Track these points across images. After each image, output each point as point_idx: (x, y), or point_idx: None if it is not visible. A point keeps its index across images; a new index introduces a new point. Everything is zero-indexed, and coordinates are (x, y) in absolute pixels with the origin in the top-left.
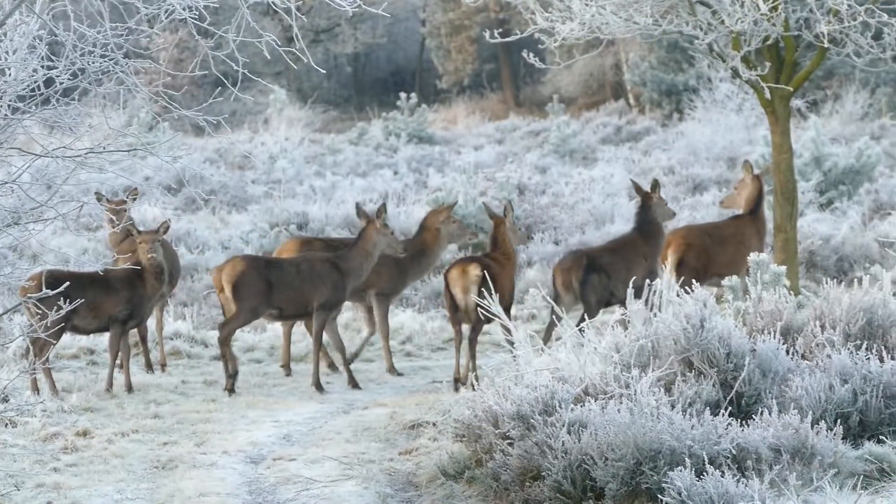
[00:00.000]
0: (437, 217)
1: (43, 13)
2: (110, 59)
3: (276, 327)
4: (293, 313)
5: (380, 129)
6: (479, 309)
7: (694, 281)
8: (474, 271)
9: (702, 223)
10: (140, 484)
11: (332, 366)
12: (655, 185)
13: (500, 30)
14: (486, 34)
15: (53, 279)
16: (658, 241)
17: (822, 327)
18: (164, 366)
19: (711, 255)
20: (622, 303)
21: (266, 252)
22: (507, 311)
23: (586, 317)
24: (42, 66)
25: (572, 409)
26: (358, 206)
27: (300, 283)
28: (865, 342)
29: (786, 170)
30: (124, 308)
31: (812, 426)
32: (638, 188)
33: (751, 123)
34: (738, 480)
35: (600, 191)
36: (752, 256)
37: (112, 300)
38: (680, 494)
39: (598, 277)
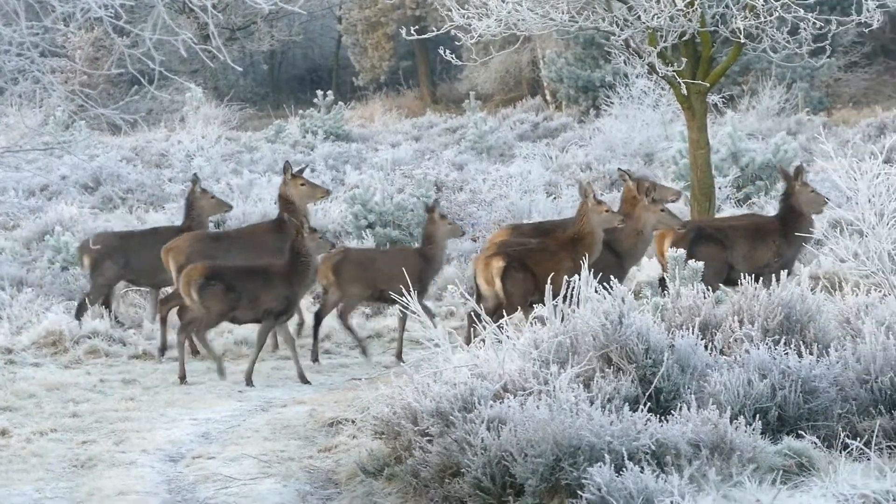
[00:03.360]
0: None
1: None
2: (26, 58)
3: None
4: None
5: (297, 126)
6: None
7: None
8: (497, 264)
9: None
10: (59, 483)
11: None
12: (798, 172)
13: (417, 27)
14: (403, 31)
15: (214, 272)
16: (798, 230)
17: (741, 322)
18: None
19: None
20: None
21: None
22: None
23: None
24: None
25: (491, 406)
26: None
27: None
28: (784, 337)
29: (703, 165)
30: (281, 302)
31: (731, 421)
32: (785, 175)
33: (667, 119)
34: (657, 476)
35: (518, 187)
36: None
37: (271, 294)
38: (599, 490)
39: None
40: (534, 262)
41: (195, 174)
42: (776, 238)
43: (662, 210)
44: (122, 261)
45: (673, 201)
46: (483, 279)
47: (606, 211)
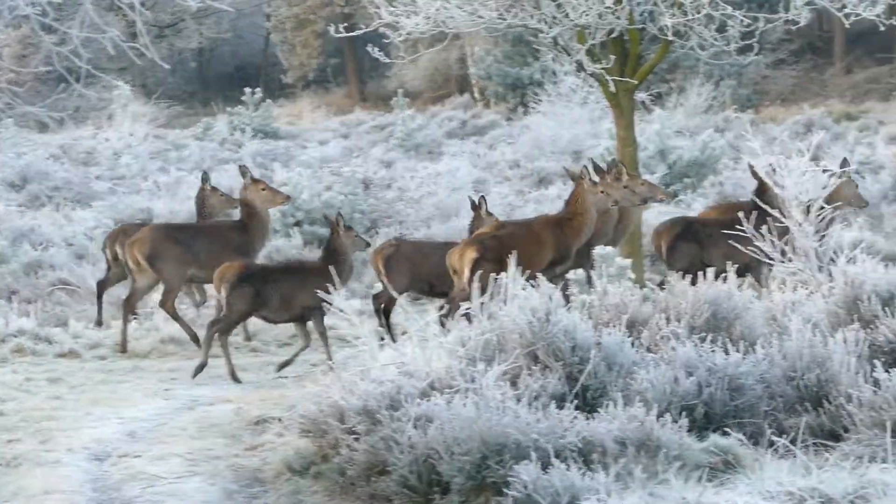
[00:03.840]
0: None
1: None
2: None
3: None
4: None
5: (225, 124)
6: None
7: None
8: (470, 254)
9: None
10: None
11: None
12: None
13: (346, 24)
14: (331, 29)
15: (249, 272)
16: None
17: (668, 320)
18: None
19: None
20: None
21: None
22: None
23: None
24: None
25: (418, 404)
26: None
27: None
28: (710, 334)
29: (630, 163)
30: (318, 300)
31: (657, 419)
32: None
33: (595, 117)
34: (583, 473)
35: (446, 185)
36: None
37: (308, 293)
38: (525, 488)
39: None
40: (513, 247)
41: (205, 172)
42: None
43: (625, 187)
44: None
45: (661, 201)
46: (454, 268)
47: (602, 192)
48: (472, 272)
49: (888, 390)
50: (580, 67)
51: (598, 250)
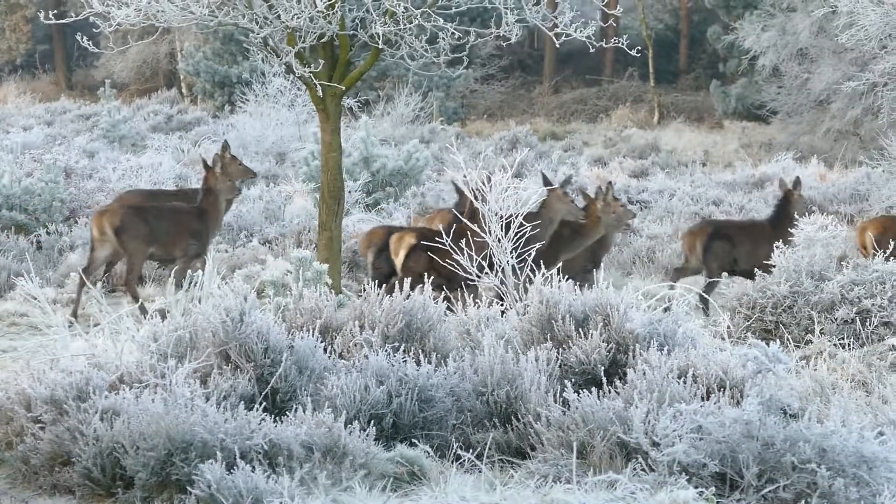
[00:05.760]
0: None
1: None
2: None
3: None
4: None
5: None
6: None
7: None
8: (409, 240)
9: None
10: None
11: None
12: (797, 182)
13: (56, 11)
14: (42, 15)
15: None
16: (784, 234)
17: (361, 327)
18: None
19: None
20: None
21: None
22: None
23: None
24: None
25: (106, 397)
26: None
27: None
28: (404, 344)
29: (333, 168)
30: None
31: (345, 426)
32: (782, 183)
33: (302, 120)
34: (268, 476)
35: (147, 178)
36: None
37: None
38: (210, 487)
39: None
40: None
41: (225, 141)
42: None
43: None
44: None
45: (627, 226)
46: (394, 252)
47: (571, 201)
48: (406, 257)
49: (577, 411)
50: (289, 70)
51: (296, 254)
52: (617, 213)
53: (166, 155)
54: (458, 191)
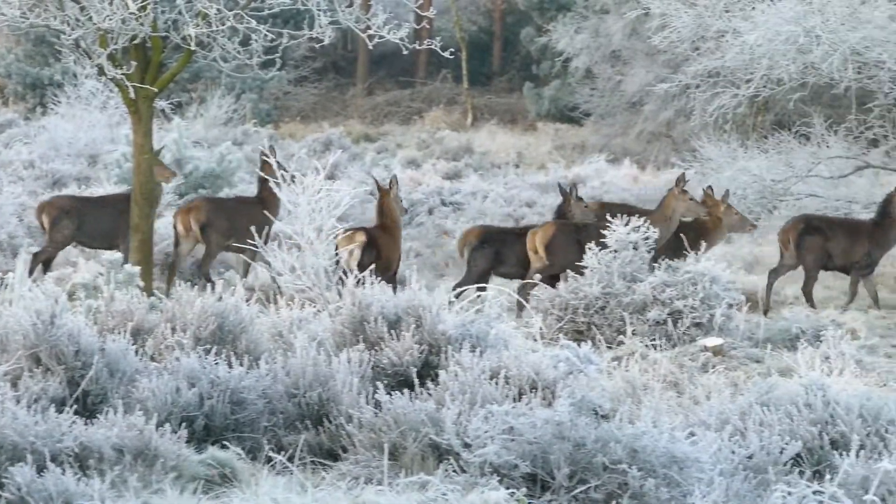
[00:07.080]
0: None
1: None
2: None
3: None
4: None
5: None
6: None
7: None
8: (359, 237)
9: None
10: None
11: None
12: None
13: None
14: None
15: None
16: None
17: (173, 330)
18: None
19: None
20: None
21: None
22: (395, 277)
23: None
24: None
25: None
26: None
27: None
28: (216, 347)
29: (146, 170)
30: None
31: (156, 428)
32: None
33: (115, 122)
34: (79, 479)
35: None
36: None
37: None
38: (20, 490)
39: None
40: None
41: (271, 145)
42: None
43: (691, 199)
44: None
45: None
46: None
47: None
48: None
49: (389, 412)
50: (101, 71)
51: (108, 255)
52: (738, 217)
53: None
54: (563, 192)
